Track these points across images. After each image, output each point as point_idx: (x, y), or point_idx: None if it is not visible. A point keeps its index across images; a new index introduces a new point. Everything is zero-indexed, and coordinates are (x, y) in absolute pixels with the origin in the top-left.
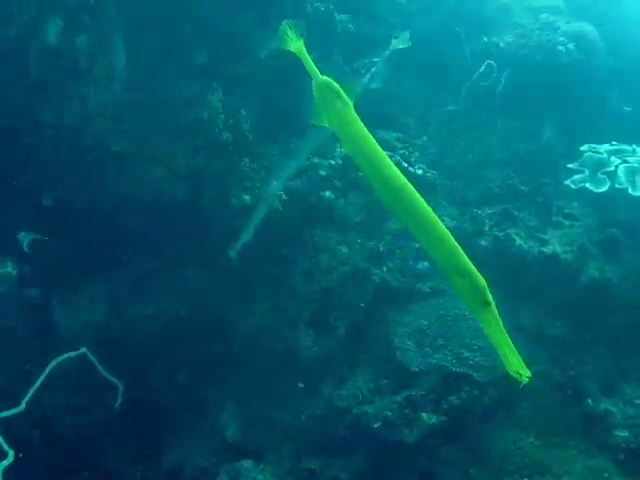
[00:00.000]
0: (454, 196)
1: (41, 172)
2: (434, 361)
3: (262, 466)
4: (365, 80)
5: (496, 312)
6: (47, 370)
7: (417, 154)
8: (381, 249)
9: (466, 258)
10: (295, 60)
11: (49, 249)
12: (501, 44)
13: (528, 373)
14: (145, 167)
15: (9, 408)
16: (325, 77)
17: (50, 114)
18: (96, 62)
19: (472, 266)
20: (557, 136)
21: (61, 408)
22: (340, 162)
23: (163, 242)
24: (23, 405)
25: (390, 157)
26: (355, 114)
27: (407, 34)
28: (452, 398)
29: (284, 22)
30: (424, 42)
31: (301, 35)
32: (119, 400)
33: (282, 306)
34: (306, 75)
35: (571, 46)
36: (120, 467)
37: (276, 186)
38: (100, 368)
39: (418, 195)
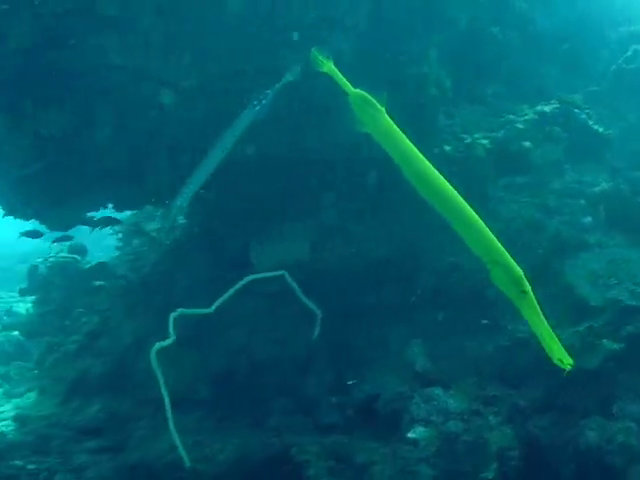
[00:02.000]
0: (604, 164)
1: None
2: (610, 296)
3: (451, 392)
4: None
5: (534, 301)
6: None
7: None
8: (550, 205)
9: (503, 250)
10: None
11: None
12: None
13: (570, 361)
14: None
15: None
16: (358, 90)
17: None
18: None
19: (509, 258)
20: None
21: (263, 337)
22: (536, 117)
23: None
24: (213, 308)
25: (577, 115)
26: (388, 118)
27: (298, 68)
28: (629, 328)
29: (313, 49)
30: (565, 30)
31: (328, 57)
32: (317, 330)
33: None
34: None
35: None
36: (319, 394)
37: (187, 194)
38: (300, 294)
39: (455, 191)
